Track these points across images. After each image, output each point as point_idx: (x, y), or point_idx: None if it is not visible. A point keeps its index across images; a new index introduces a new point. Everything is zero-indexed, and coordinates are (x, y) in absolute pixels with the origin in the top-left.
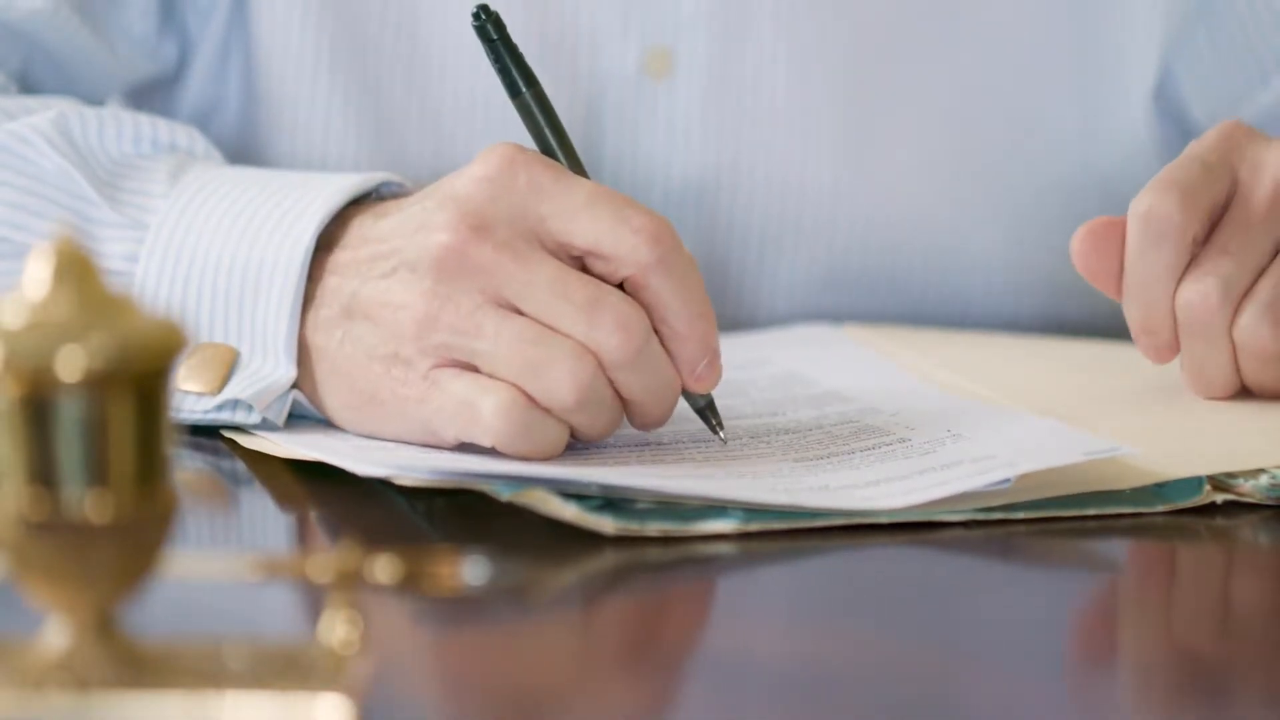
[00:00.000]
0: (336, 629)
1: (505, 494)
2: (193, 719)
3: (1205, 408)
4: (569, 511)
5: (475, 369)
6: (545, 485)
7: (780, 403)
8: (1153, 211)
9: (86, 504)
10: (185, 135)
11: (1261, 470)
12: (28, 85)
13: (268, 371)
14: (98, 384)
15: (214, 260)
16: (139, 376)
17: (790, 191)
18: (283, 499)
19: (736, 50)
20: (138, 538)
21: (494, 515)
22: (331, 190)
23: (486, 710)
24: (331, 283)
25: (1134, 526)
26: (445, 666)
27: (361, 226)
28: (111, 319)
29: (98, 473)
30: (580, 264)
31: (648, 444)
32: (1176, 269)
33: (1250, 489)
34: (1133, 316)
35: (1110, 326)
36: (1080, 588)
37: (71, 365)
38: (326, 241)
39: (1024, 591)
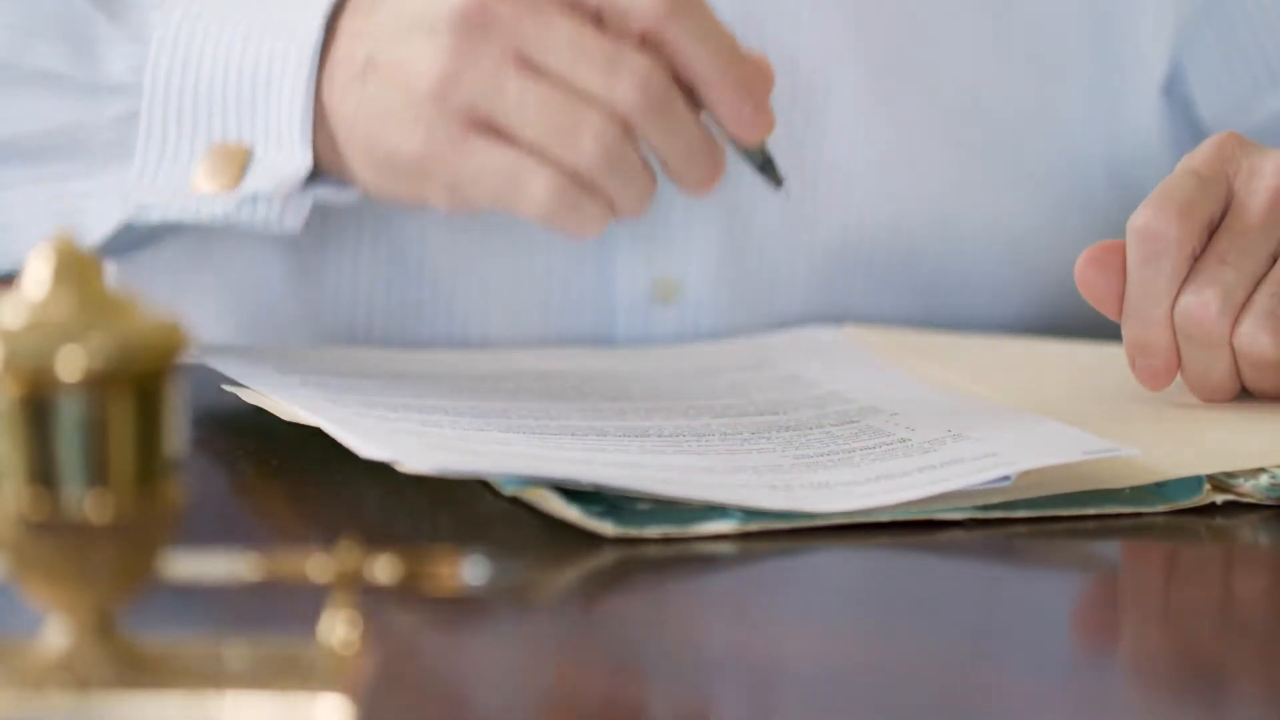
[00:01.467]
0: (336, 629)
1: (509, 488)
2: (193, 719)
3: (1205, 408)
4: (571, 513)
5: (495, 129)
6: (546, 484)
7: (781, 403)
8: (1150, 228)
9: (86, 504)
10: None
11: (1261, 470)
12: None
13: (283, 162)
14: (98, 384)
15: (221, 61)
16: (139, 376)
17: (805, 177)
18: (283, 499)
19: (758, 14)
20: (138, 538)
21: (494, 515)
22: None
23: (487, 710)
24: (344, 48)
25: (1134, 526)
26: (445, 666)
27: (361, 5)
28: (111, 319)
29: (98, 473)
30: (597, 22)
31: (647, 435)
32: (1175, 284)
33: (1250, 489)
34: (1130, 334)
35: (1118, 325)
36: (1080, 588)
37: (71, 365)
38: (333, 13)
39: (1024, 591)
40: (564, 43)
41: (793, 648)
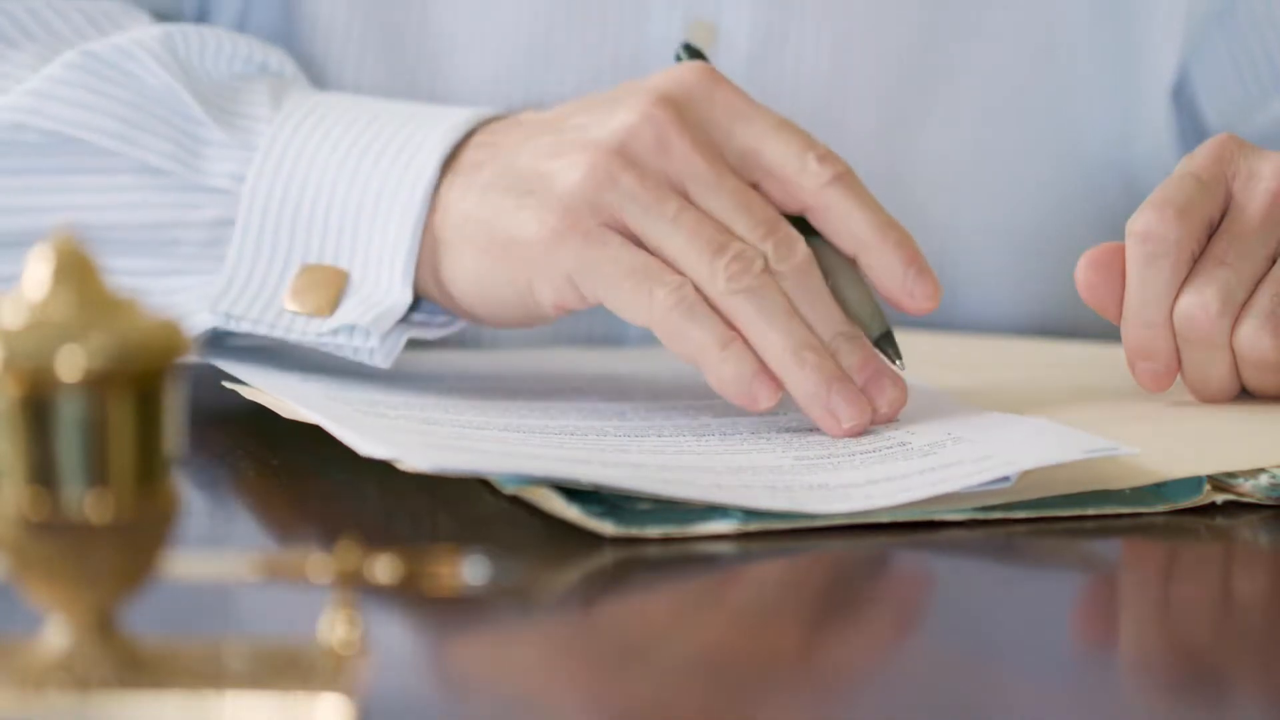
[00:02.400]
0: (336, 629)
1: (509, 487)
2: (192, 719)
3: (1204, 408)
4: (571, 513)
5: (637, 238)
6: (546, 484)
7: (781, 404)
8: (1149, 231)
9: (86, 504)
10: (276, 56)
11: (1261, 470)
12: None
13: (381, 295)
14: (98, 384)
15: (328, 185)
16: (139, 376)
17: None
18: (282, 499)
19: (779, 28)
20: (138, 538)
21: (494, 515)
22: (448, 125)
23: (486, 710)
24: (473, 156)
25: (1134, 526)
26: (445, 666)
27: (498, 124)
28: (111, 319)
29: (98, 473)
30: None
31: (647, 435)
32: (1174, 287)
33: (1250, 489)
34: (1130, 338)
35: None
36: (1080, 587)
37: (71, 365)
38: (447, 167)
39: (1024, 591)
40: (729, 193)
41: (793, 648)
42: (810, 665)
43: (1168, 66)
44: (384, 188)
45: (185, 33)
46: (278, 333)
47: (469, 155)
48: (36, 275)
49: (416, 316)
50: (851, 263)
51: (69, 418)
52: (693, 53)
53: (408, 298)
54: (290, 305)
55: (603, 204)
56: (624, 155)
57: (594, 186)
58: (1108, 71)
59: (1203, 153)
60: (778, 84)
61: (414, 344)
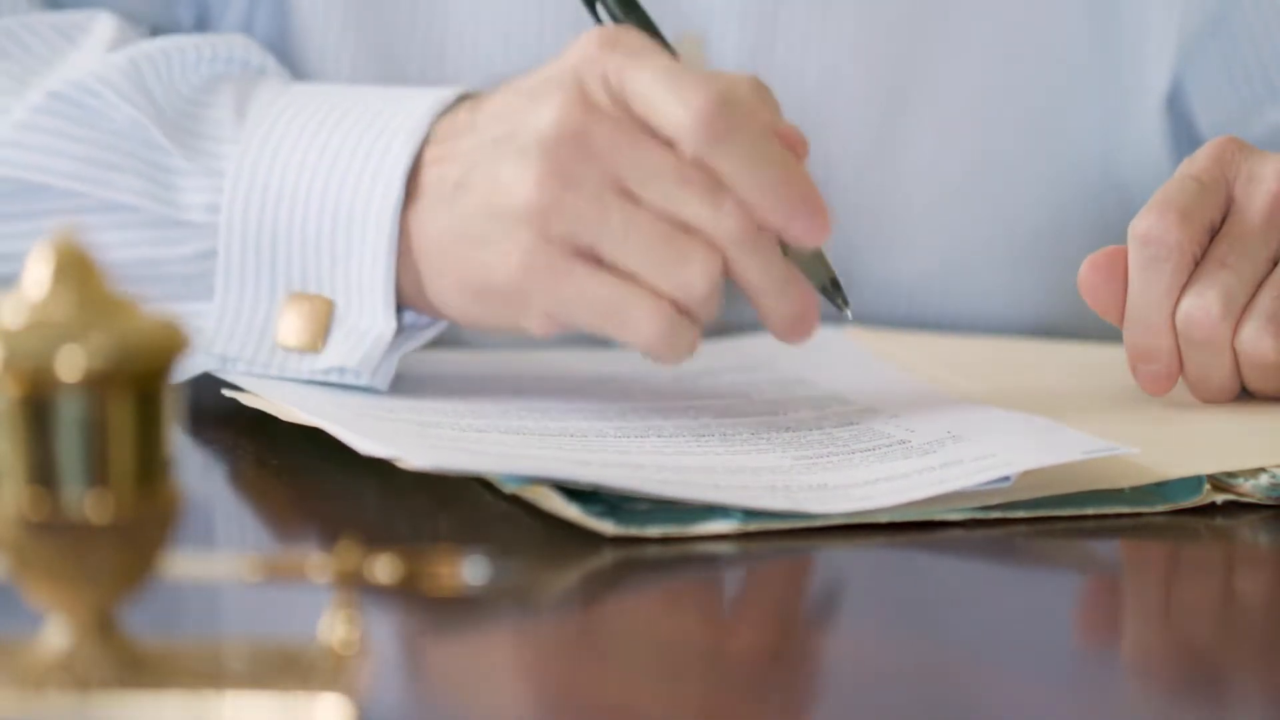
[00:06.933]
0: (336, 629)
1: (510, 486)
2: (192, 719)
3: (1205, 408)
4: (571, 512)
5: (597, 257)
6: (546, 483)
7: (781, 404)
8: (1150, 233)
9: (86, 504)
10: (241, 47)
11: (1261, 470)
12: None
13: (366, 326)
14: (98, 384)
15: (301, 207)
16: (139, 376)
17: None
18: (282, 499)
19: (768, 41)
20: (138, 538)
21: (494, 515)
22: (414, 120)
23: (486, 710)
24: (432, 174)
25: (1134, 527)
26: (445, 666)
27: (455, 122)
28: (111, 319)
29: (98, 473)
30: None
31: (647, 435)
32: (1176, 289)
33: (1250, 489)
34: (1132, 340)
35: (1118, 329)
36: (1080, 587)
37: (71, 365)
38: (412, 180)
39: (1024, 591)
40: (664, 170)
41: (792, 648)
42: (810, 665)
43: (1161, 77)
44: (354, 205)
45: (151, 56)
46: (272, 372)
47: (428, 174)
48: (36, 275)
49: (405, 319)
50: None
51: (69, 418)
52: None
53: (393, 324)
54: (282, 341)
55: (554, 235)
56: (559, 173)
57: (541, 217)
58: (1101, 82)
59: (1204, 155)
60: None
61: None
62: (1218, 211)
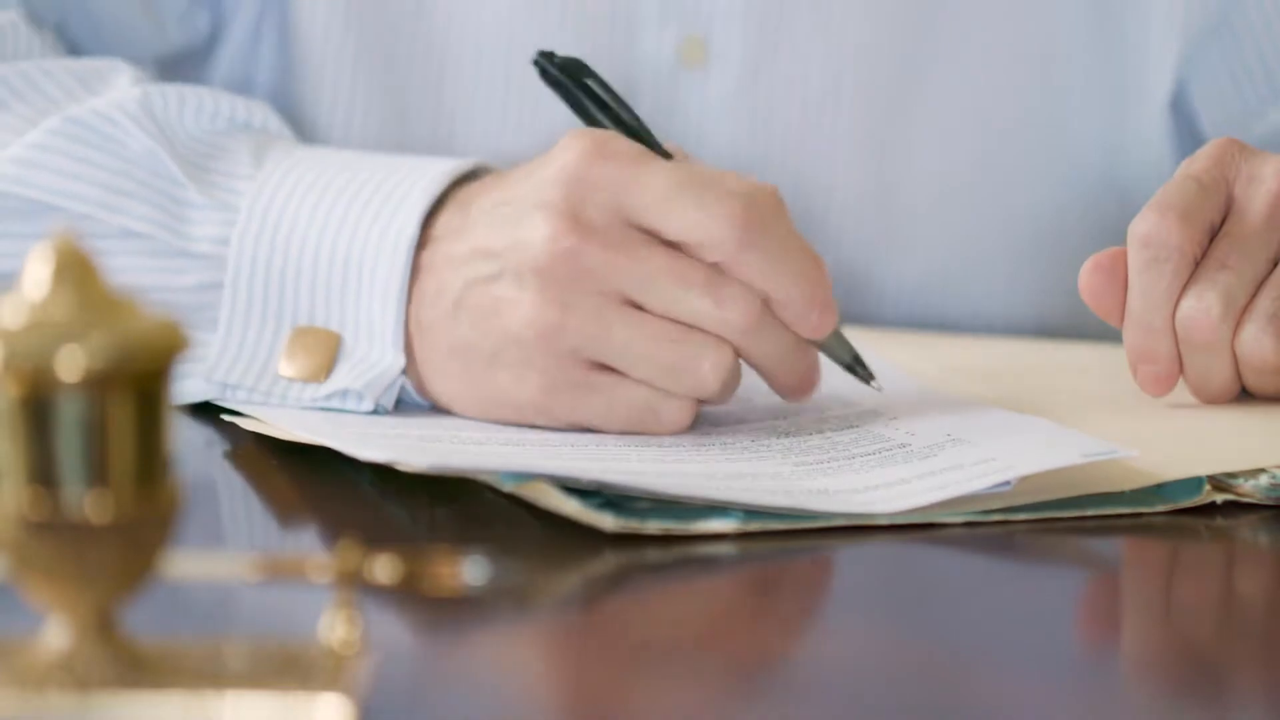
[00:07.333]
0: (336, 629)
1: (508, 484)
2: (193, 719)
3: (1205, 408)
4: (570, 506)
5: (611, 368)
6: (546, 479)
7: (781, 408)
8: (1151, 234)
9: (86, 504)
10: (260, 112)
11: (1261, 470)
12: (64, 45)
13: (375, 359)
14: (98, 384)
15: (312, 247)
16: (139, 376)
17: (816, 188)
18: (282, 499)
19: (770, 44)
20: (138, 538)
21: (494, 515)
22: (428, 180)
23: (486, 710)
24: (432, 283)
25: (1134, 526)
26: (445, 666)
27: (451, 220)
28: (111, 319)
29: (98, 473)
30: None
31: (648, 444)
32: (1176, 290)
33: (1250, 489)
34: (1132, 342)
35: (1117, 330)
36: (1080, 587)
37: (71, 365)
38: (422, 232)
39: (1024, 591)
40: (662, 274)
41: (792, 647)
42: (810, 665)
43: (1164, 79)
44: (365, 253)
45: (164, 93)
46: (273, 400)
47: (425, 281)
48: (36, 275)
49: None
50: None
51: (69, 418)
52: (555, 63)
53: (401, 361)
54: (285, 370)
55: (566, 354)
56: (555, 299)
57: (545, 341)
58: (1104, 84)
59: (1204, 156)
60: (769, 100)
61: None
62: (1218, 212)
